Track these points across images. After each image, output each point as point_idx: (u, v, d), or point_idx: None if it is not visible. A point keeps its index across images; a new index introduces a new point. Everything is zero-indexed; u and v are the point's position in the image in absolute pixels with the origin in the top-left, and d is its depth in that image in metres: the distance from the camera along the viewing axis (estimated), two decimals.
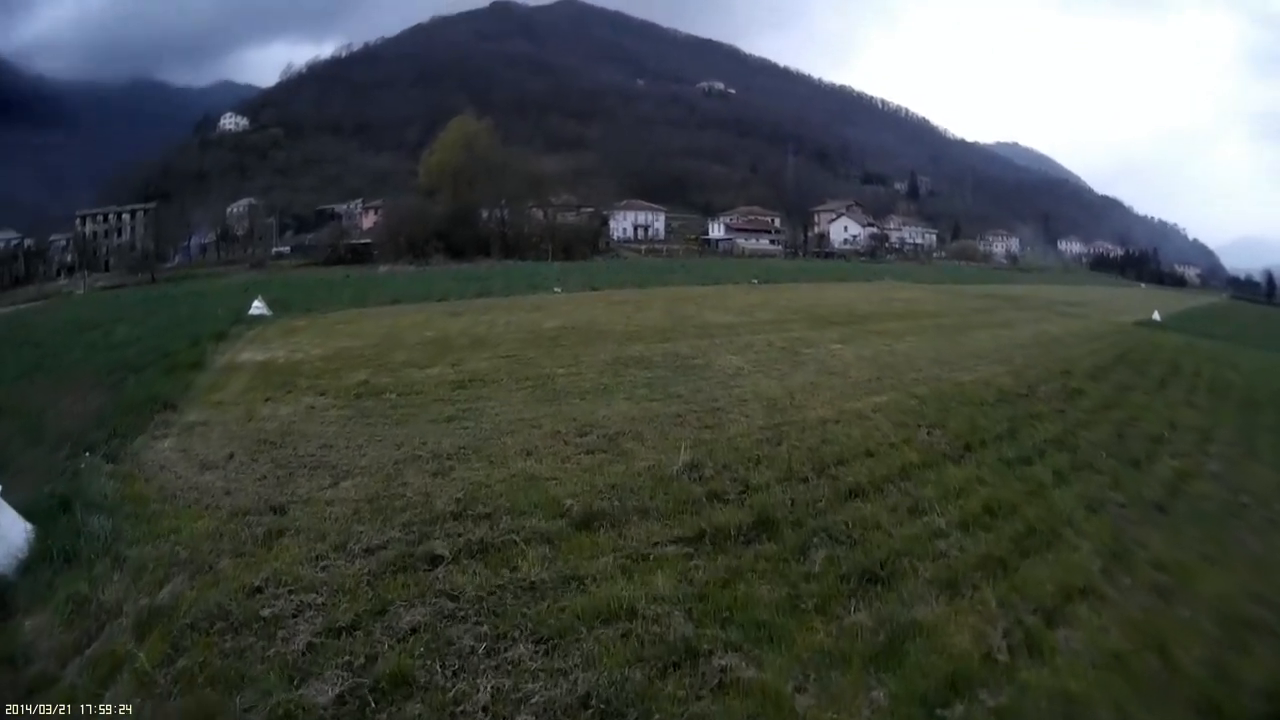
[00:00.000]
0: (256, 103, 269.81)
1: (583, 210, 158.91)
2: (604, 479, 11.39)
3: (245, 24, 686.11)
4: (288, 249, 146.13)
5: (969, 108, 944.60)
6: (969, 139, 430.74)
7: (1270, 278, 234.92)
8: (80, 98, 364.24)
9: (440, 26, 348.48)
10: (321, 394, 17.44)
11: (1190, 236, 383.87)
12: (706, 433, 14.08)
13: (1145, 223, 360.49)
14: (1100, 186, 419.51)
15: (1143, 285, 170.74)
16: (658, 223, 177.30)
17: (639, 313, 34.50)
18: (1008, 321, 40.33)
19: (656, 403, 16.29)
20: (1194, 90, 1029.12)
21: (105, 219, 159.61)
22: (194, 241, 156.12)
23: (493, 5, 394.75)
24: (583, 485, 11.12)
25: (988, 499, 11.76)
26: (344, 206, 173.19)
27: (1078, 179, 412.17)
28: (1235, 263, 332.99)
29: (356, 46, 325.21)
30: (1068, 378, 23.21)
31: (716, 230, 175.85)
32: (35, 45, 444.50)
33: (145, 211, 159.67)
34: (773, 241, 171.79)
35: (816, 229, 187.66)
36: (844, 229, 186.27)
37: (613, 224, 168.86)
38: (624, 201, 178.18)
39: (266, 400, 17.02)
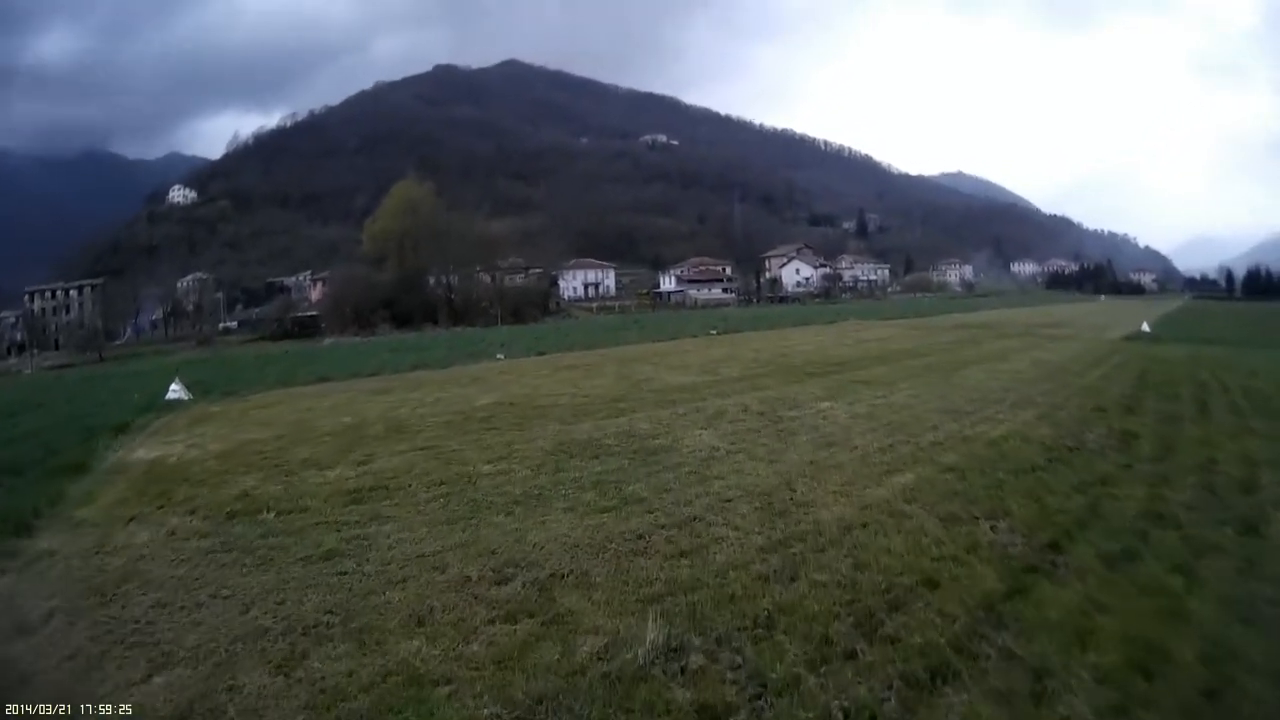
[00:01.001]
0: (204, 174, 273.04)
1: (531, 271, 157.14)
2: (525, 684, 6.95)
3: (194, 96, 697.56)
4: (235, 324, 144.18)
5: (911, 142, 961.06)
6: (913, 172, 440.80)
7: (1230, 275, 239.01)
8: (34, 172, 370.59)
9: (384, 93, 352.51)
10: (192, 511, 13.33)
11: (1142, 244, 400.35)
12: (683, 566, 9.55)
13: (1096, 237, 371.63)
14: (1049, 206, 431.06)
15: (1101, 297, 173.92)
16: (608, 280, 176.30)
17: (588, 379, 29.93)
18: (1000, 353, 36.45)
19: (609, 514, 11.74)
20: (1136, 102, 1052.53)
21: (54, 295, 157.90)
22: (142, 318, 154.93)
23: (435, 69, 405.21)
24: (492, 699, 6.73)
25: (1124, 643, 7.53)
26: (293, 279, 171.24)
27: (1025, 201, 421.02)
28: (1188, 263, 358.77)
29: (302, 115, 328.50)
30: (1106, 417, 19.26)
31: (668, 283, 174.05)
32: None
33: (93, 288, 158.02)
34: (725, 290, 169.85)
35: (769, 274, 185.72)
36: (796, 272, 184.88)
37: (563, 283, 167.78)
38: (573, 260, 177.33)
39: (130, 520, 13.02)
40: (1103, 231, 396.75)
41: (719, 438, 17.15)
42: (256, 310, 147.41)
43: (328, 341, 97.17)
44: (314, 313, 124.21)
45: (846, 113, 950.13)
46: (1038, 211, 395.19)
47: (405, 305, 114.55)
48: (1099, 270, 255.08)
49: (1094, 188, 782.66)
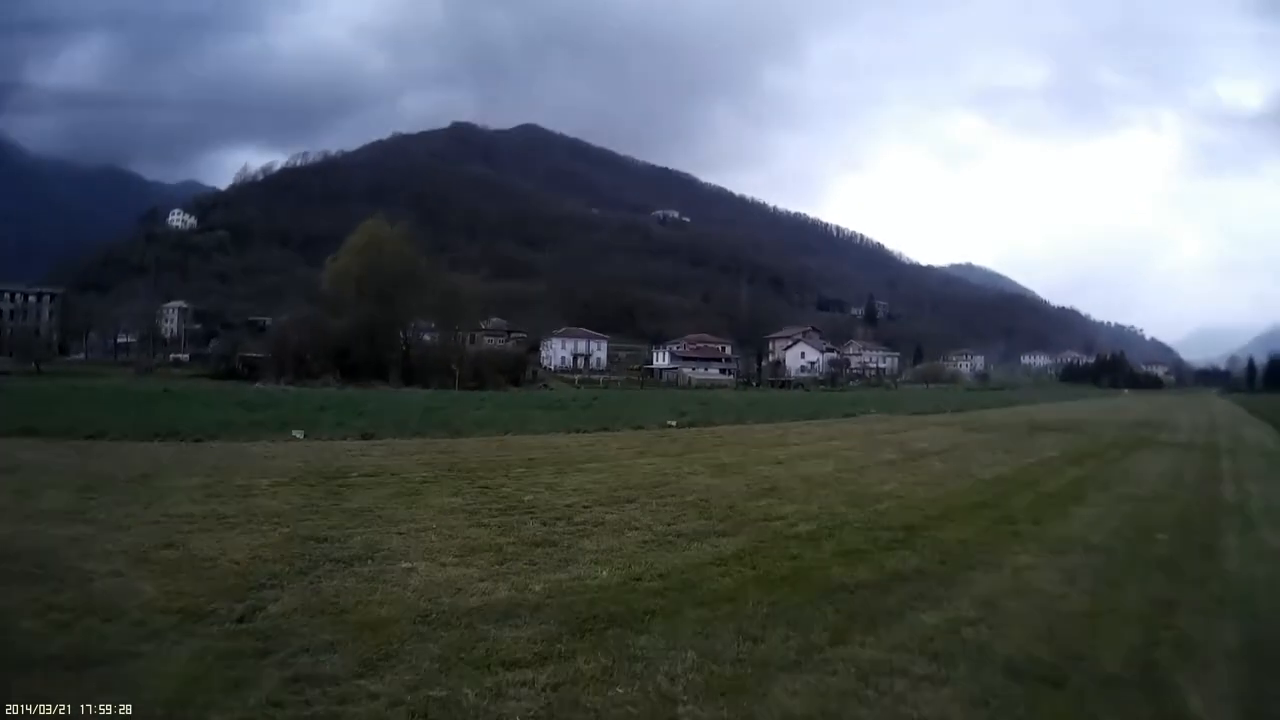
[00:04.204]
0: (207, 202, 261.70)
1: (514, 335, 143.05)
2: None
3: (218, 127, 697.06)
4: (187, 357, 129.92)
5: (922, 232, 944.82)
6: (924, 262, 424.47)
7: (1252, 364, 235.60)
8: (53, 174, 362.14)
9: (400, 144, 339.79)
10: None
11: (1149, 336, 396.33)
12: None
13: (1105, 329, 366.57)
14: (1056, 298, 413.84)
15: (1125, 391, 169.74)
16: (600, 351, 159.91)
17: (239, 534, 10.85)
18: (1207, 492, 18.36)
19: None
20: (1143, 194, 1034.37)
21: (13, 299, 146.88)
22: (93, 336, 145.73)
23: (453, 126, 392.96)
24: None
25: None
26: (271, 321, 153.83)
27: (1033, 293, 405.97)
28: (1193, 355, 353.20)
29: (313, 156, 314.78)
30: None
31: (661, 359, 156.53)
32: (14, 111, 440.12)
33: (52, 297, 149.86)
34: (723, 370, 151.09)
35: (772, 357, 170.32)
36: (801, 355, 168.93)
37: (549, 351, 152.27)
38: (562, 328, 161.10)
39: None
40: (1110, 324, 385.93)
41: None
42: (213, 344, 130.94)
43: (257, 386, 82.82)
44: (261, 355, 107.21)
45: (860, 201, 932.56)
46: (1046, 303, 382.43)
47: (359, 355, 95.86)
48: (1115, 363, 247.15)
49: (1101, 280, 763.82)
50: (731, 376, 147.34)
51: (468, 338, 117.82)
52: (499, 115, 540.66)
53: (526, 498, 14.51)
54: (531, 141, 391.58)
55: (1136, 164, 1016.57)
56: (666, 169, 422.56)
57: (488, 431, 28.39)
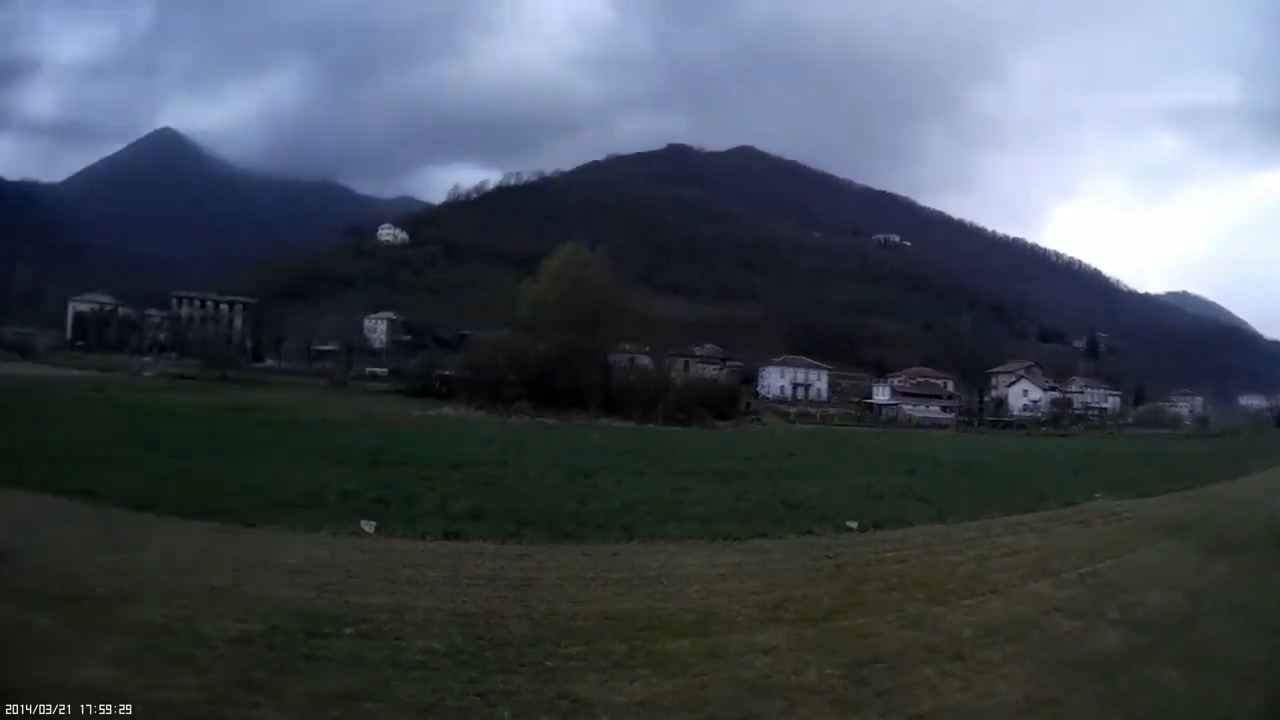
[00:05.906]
0: (416, 219, 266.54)
1: (730, 363, 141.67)
2: None
3: (428, 146, 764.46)
4: (384, 370, 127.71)
5: (1136, 257, 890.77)
6: (1140, 290, 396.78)
7: None
8: (262, 188, 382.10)
9: (615, 165, 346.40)
10: None
11: None
12: None
13: None
14: (1269, 331, 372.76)
15: None
16: (819, 382, 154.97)
17: None
18: None
19: None
20: None
21: (203, 305, 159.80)
22: (288, 345, 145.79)
23: (669, 148, 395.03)
24: None
25: None
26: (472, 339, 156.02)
27: (1248, 325, 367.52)
28: None
29: (527, 175, 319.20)
30: None
31: (881, 393, 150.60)
32: (221, 132, 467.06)
33: (245, 306, 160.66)
34: (944, 408, 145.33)
35: (994, 393, 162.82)
36: (1024, 393, 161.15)
37: (767, 380, 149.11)
38: (781, 357, 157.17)
39: None
40: None
41: None
42: (413, 360, 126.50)
43: (446, 410, 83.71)
44: (458, 374, 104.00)
45: (1072, 224, 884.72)
46: (1260, 336, 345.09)
47: (557, 383, 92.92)
48: None
49: None
50: (952, 415, 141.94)
51: (683, 364, 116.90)
52: (713, 137, 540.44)
53: None
54: (747, 164, 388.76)
55: None
56: (884, 192, 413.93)
57: (609, 532, 22.46)
